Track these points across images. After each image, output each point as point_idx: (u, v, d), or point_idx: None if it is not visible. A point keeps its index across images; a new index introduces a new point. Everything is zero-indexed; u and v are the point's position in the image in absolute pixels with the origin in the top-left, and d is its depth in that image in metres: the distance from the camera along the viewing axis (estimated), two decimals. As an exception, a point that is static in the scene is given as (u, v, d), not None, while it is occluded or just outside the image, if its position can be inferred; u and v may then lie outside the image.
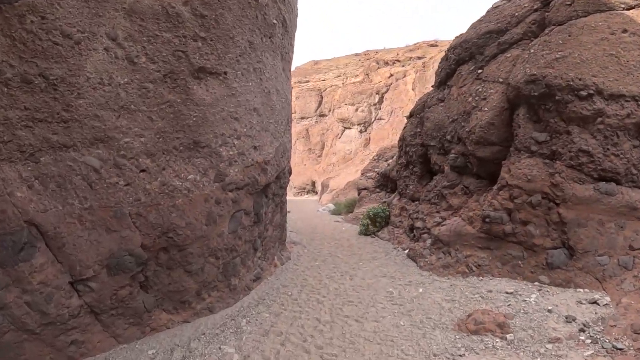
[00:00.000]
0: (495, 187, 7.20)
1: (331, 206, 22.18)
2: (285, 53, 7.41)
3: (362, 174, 17.59)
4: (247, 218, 5.80)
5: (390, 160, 15.94)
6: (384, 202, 14.07)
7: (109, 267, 4.34)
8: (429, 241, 8.13)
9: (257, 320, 5.45)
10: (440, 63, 10.28)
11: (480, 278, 6.81)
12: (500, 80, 7.54)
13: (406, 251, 9.26)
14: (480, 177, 8.06)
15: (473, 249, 7.21)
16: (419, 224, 9.24)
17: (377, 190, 15.43)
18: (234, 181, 5.34)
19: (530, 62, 6.80)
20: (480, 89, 7.98)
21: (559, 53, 6.40)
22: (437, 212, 8.62)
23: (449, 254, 7.50)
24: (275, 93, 6.62)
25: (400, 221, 10.86)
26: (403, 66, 35.94)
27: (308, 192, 39.80)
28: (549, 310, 5.19)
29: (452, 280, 6.90)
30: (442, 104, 9.52)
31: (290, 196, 38.90)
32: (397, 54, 41.84)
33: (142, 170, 4.46)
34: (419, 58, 35.81)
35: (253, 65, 5.76)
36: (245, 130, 5.55)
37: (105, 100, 4.11)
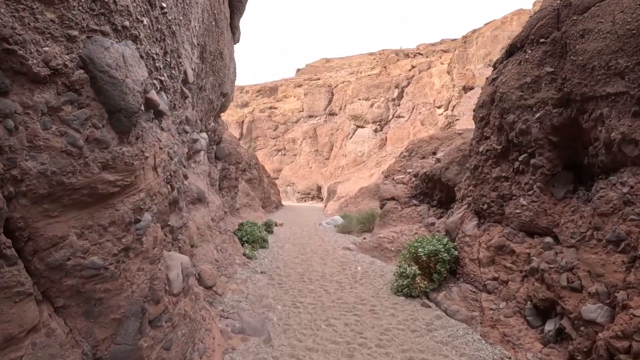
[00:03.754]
0: None
1: (338, 219, 15.73)
2: None
3: (387, 177, 11.37)
4: None
5: (435, 157, 9.70)
6: (432, 223, 7.82)
7: None
8: None
9: None
10: None
11: None
12: None
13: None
14: None
15: None
16: (596, 314, 3.05)
17: (414, 201, 9.23)
18: None
19: None
20: None
21: None
22: None
23: None
24: None
25: (495, 278, 4.61)
26: (427, 57, 29.72)
27: (313, 198, 33.60)
28: None
29: None
30: (653, -20, 3.35)
31: (292, 202, 32.83)
32: (418, 49, 35.79)
33: None
34: (444, 51, 29.60)
35: None
36: None
37: None
